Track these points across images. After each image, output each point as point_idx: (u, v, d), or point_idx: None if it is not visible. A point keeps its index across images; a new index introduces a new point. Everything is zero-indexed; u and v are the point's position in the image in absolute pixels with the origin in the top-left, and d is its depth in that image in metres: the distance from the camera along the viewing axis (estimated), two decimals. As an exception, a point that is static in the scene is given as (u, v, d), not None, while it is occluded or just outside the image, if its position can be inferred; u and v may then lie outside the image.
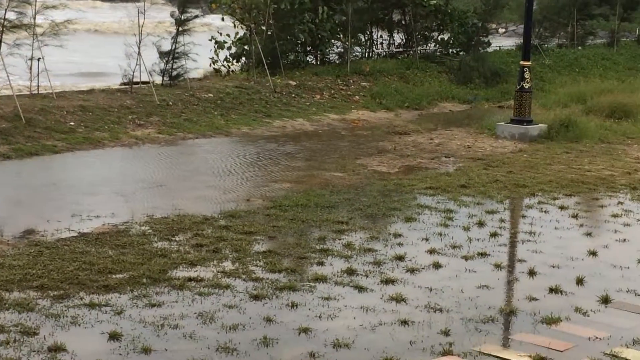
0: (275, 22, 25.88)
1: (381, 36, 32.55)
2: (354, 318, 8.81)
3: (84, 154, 17.02)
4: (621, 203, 14.17)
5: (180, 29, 23.19)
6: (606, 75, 34.73)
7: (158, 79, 23.05)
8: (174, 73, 23.07)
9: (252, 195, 13.89)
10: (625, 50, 41.00)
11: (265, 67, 24.47)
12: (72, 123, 18.60)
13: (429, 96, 26.79)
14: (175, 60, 23.01)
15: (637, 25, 48.90)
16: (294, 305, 9.05)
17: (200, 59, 23.92)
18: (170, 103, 21.05)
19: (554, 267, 10.66)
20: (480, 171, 16.31)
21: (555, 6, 39.07)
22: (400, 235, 11.77)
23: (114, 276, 9.71)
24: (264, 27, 26.00)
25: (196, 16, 23.59)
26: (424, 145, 19.21)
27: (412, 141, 19.67)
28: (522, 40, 23.25)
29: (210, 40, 26.95)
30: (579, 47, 39.13)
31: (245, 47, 26.71)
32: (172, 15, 23.54)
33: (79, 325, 8.44)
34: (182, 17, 23.28)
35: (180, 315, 8.70)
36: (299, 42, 27.98)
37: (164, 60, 22.90)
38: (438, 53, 32.42)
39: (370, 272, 10.19)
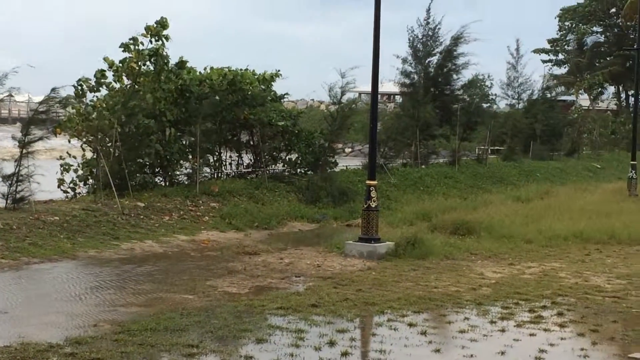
0: (122, 144, 25.79)
1: (230, 156, 32.86)
2: None
3: None
4: (467, 319, 14.44)
5: (24, 151, 22.81)
6: (449, 193, 35.94)
7: (1, 203, 22.50)
8: (18, 196, 22.56)
9: (99, 320, 13.54)
10: (466, 168, 42.63)
11: (113, 188, 24.24)
12: None
13: (278, 216, 27.04)
14: (19, 183, 22.54)
15: (476, 144, 51.10)
16: None
17: (46, 182, 23.49)
18: (14, 227, 20.51)
19: (404, 384, 10.73)
20: (330, 290, 16.40)
21: (399, 127, 40.52)
22: (251, 357, 11.64)
23: (-49, 411, 9.25)
24: (111, 149, 25.87)
25: (40, 138, 23.21)
26: (274, 265, 19.24)
27: (262, 261, 19.67)
28: (367, 160, 23.79)
29: (60, 161, 26.59)
30: (423, 166, 40.47)
31: (93, 169, 26.47)
32: (14, 138, 23.15)
33: None
34: (26, 139, 22.91)
35: None
36: (147, 163, 27.93)
37: (7, 184, 22.41)
38: (286, 173, 32.94)
39: (221, 397, 10.02)
